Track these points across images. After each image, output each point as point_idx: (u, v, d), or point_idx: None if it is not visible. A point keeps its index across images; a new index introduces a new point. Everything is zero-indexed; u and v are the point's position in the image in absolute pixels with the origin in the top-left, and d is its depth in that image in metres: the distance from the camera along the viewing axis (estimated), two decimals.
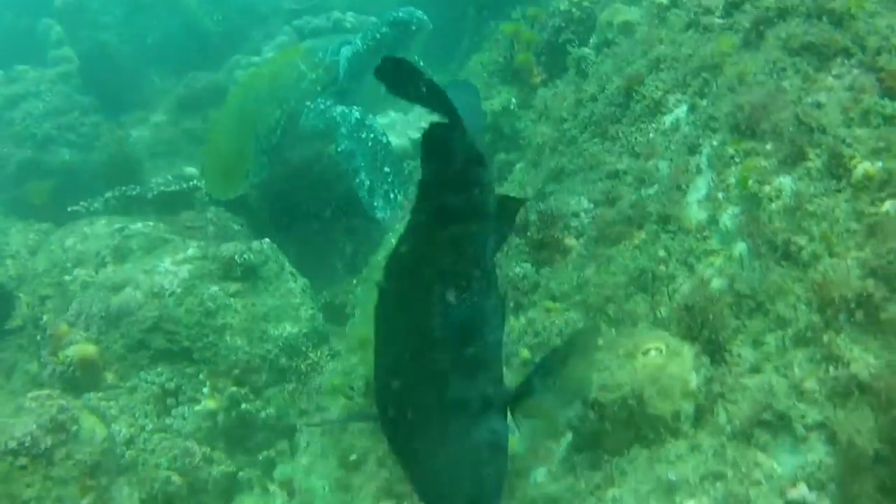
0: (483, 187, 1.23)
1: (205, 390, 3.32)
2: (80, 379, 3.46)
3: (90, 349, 3.46)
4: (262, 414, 3.24)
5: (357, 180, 3.94)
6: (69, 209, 4.65)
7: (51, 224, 4.91)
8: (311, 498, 1.77)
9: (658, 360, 1.23)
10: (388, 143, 3.96)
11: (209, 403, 3.27)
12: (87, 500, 3.07)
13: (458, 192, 1.19)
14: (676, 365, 1.23)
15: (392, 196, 3.87)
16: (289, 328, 3.42)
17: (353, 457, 1.99)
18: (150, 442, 3.20)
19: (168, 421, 3.29)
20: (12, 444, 2.98)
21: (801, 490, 1.10)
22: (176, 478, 2.86)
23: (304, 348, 3.44)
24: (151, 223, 4.09)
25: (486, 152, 1.27)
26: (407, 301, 1.20)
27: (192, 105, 6.16)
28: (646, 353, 1.26)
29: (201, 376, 3.36)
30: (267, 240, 3.74)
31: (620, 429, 1.26)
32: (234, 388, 3.24)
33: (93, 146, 5.48)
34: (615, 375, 1.25)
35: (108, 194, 4.55)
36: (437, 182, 1.21)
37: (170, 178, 4.92)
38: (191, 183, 4.71)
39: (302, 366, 3.42)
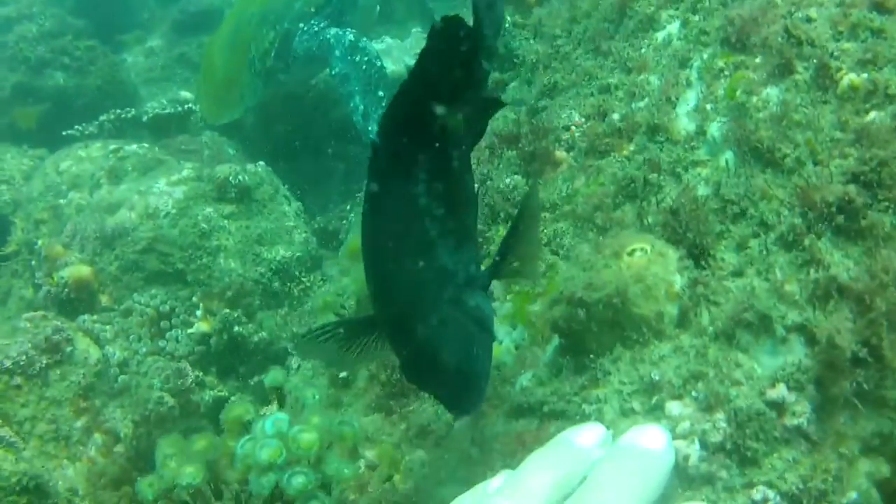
0: (478, 87, 1.25)
1: (198, 313, 3.35)
2: (75, 301, 3.49)
3: (85, 270, 3.49)
4: (255, 338, 3.27)
5: (351, 105, 3.92)
6: (64, 133, 4.64)
7: (45, 150, 4.90)
8: (301, 405, 1.80)
9: (643, 261, 1.25)
10: (383, 66, 3.93)
11: (202, 326, 3.30)
12: (82, 422, 3.11)
13: (451, 83, 1.20)
14: (661, 266, 1.25)
15: None
16: (282, 252, 3.44)
17: (342, 374, 2.01)
18: (144, 364, 3.23)
19: (161, 344, 3.32)
20: (7, 364, 3.02)
21: (780, 390, 1.13)
22: (168, 398, 2.90)
23: (297, 272, 3.46)
24: (147, 145, 4.09)
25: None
26: (393, 174, 1.21)
27: (187, 29, 6.10)
28: (631, 253, 1.28)
29: (195, 299, 3.38)
30: (262, 162, 3.74)
31: (605, 330, 1.29)
32: (227, 311, 3.26)
33: (88, 71, 5.45)
34: (601, 274, 1.27)
35: (103, 117, 4.55)
36: (435, 66, 1.20)
37: (164, 101, 4.92)
38: (186, 106, 4.70)
39: (295, 290, 3.44)
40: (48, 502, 2.69)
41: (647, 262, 1.32)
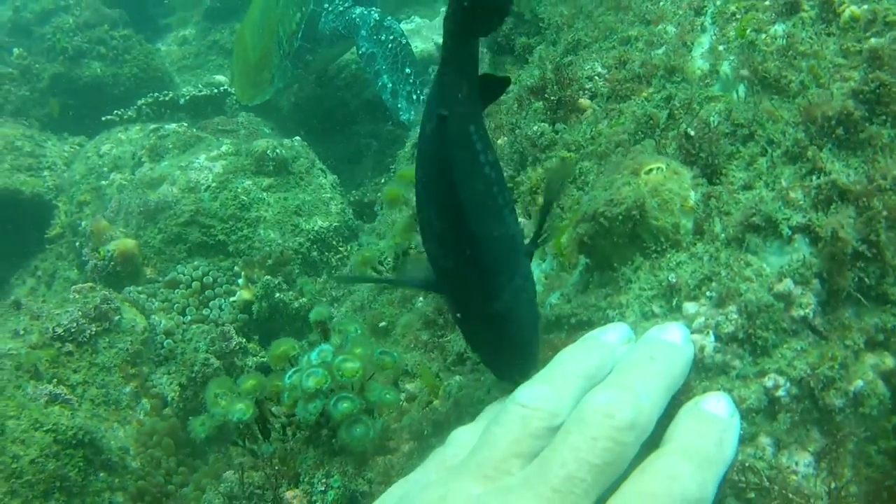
0: None
1: (240, 281, 3.49)
2: (121, 273, 3.64)
3: (130, 243, 3.64)
4: (296, 304, 3.39)
5: (379, 83, 4.04)
6: (103, 119, 4.78)
7: (84, 137, 5.05)
8: (345, 339, 1.91)
9: (659, 177, 1.36)
10: (408, 44, 4.04)
11: (244, 294, 3.43)
12: (130, 387, 3.26)
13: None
14: (676, 182, 1.36)
15: (415, 97, 3.96)
16: (320, 222, 3.57)
17: (381, 324, 2.13)
18: (189, 332, 3.37)
19: (205, 312, 3.46)
20: (59, 331, 3.16)
21: (787, 284, 1.23)
22: (214, 360, 3.03)
23: (334, 242, 3.59)
24: (185, 124, 4.23)
25: None
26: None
27: (219, 17, 6.26)
28: (648, 172, 1.40)
29: (236, 268, 3.52)
30: (298, 137, 3.87)
31: (626, 243, 1.40)
32: (268, 278, 3.39)
33: (123, 59, 5.60)
34: (620, 191, 1.38)
35: (141, 101, 4.70)
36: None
37: (200, 85, 5.07)
38: (221, 89, 4.85)
39: (332, 259, 3.58)
40: (101, 457, 2.82)
41: (664, 179, 1.43)
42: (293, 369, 1.85)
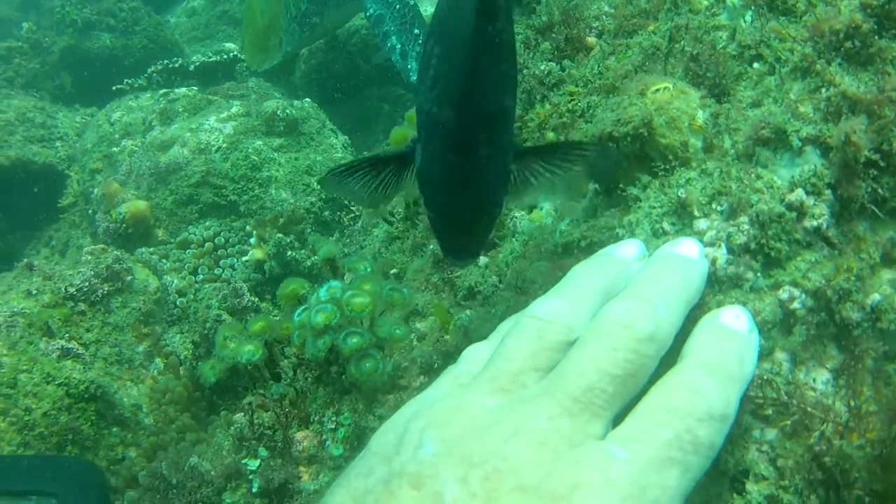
0: None
1: (252, 241, 3.48)
2: (133, 235, 3.65)
3: (142, 205, 3.63)
4: (308, 262, 3.38)
5: (388, 45, 4.00)
6: (114, 88, 4.78)
7: (96, 108, 5.05)
8: (355, 274, 1.90)
9: (666, 96, 1.33)
10: (416, 5, 4.01)
11: (256, 253, 3.43)
12: (143, 346, 3.26)
13: None
14: (683, 101, 1.34)
15: None
16: None
17: (393, 271, 2.12)
18: (201, 291, 3.36)
19: (217, 272, 3.45)
20: (71, 291, 3.16)
21: (799, 194, 1.21)
22: (226, 316, 3.02)
23: (346, 202, 3.57)
24: (196, 88, 4.22)
25: None
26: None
27: None
28: (655, 91, 1.37)
29: (248, 228, 3.51)
30: (307, 99, 3.85)
31: (634, 163, 1.38)
32: (279, 236, 3.38)
33: (133, 31, 5.59)
34: (627, 111, 1.36)
35: (151, 69, 4.69)
36: None
37: (209, 52, 5.06)
38: (231, 55, 4.83)
39: (345, 219, 3.56)
40: (114, 412, 2.83)
41: (671, 97, 1.40)
42: (302, 307, 1.83)
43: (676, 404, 1.04)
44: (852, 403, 1.19)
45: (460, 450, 0.98)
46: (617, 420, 1.09)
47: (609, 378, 1.05)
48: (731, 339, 1.16)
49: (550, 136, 1.79)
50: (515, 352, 1.12)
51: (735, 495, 1.22)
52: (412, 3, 4.13)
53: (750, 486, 1.21)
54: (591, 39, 1.94)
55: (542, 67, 1.95)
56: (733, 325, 1.18)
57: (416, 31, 4.04)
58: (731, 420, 1.09)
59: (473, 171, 1.24)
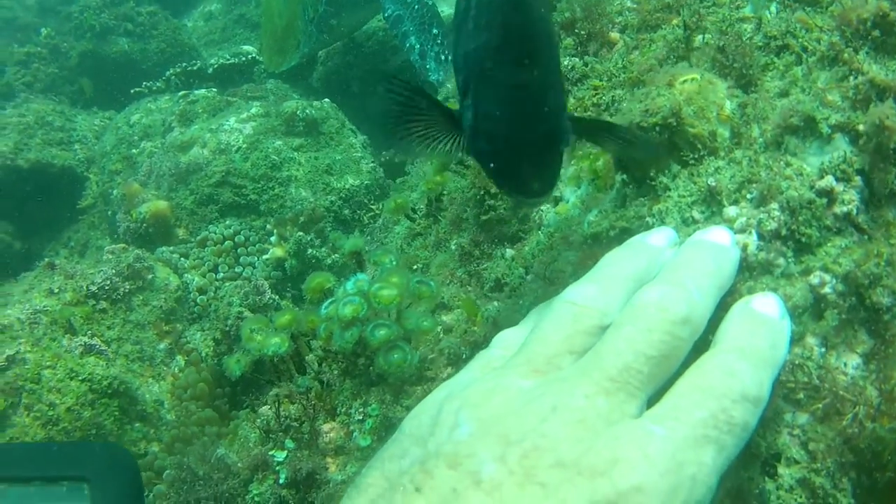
0: None
1: (272, 239, 3.49)
2: (153, 234, 3.67)
3: (162, 205, 3.66)
4: (328, 260, 3.39)
5: (407, 45, 4.01)
6: (133, 91, 4.81)
7: (114, 112, 5.08)
8: (381, 268, 1.91)
9: (694, 86, 1.34)
10: (434, 4, 4.02)
11: (277, 251, 3.44)
12: (164, 344, 3.28)
13: None
14: (711, 91, 1.35)
15: (443, 58, 3.93)
16: (351, 181, 3.58)
17: (416, 266, 2.13)
18: (221, 290, 3.38)
19: (238, 270, 3.47)
20: (93, 289, 3.18)
21: (829, 180, 1.22)
22: (248, 313, 3.03)
23: (365, 200, 3.59)
24: (215, 89, 4.24)
25: None
26: None
27: None
28: (683, 82, 1.38)
29: (268, 227, 3.53)
30: (327, 100, 3.87)
31: (663, 153, 1.39)
32: (300, 234, 3.39)
33: (150, 35, 5.63)
34: (655, 101, 1.37)
35: (170, 72, 4.73)
36: None
37: (227, 55, 5.08)
38: (249, 56, 4.86)
39: (364, 217, 3.57)
40: (136, 408, 2.85)
41: (699, 88, 1.41)
42: (329, 300, 1.84)
43: (712, 385, 1.05)
44: (884, 387, 1.20)
45: (497, 428, 0.99)
46: (651, 402, 1.10)
47: (644, 359, 1.06)
48: (763, 325, 1.17)
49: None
50: (550, 335, 1.13)
51: (767, 479, 1.23)
52: (430, 3, 4.14)
53: (782, 469, 1.22)
54: (615, 35, 1.95)
55: (566, 63, 1.96)
56: (765, 310, 1.19)
57: (435, 30, 4.05)
58: (765, 403, 1.10)
59: (534, 90, 1.19)
